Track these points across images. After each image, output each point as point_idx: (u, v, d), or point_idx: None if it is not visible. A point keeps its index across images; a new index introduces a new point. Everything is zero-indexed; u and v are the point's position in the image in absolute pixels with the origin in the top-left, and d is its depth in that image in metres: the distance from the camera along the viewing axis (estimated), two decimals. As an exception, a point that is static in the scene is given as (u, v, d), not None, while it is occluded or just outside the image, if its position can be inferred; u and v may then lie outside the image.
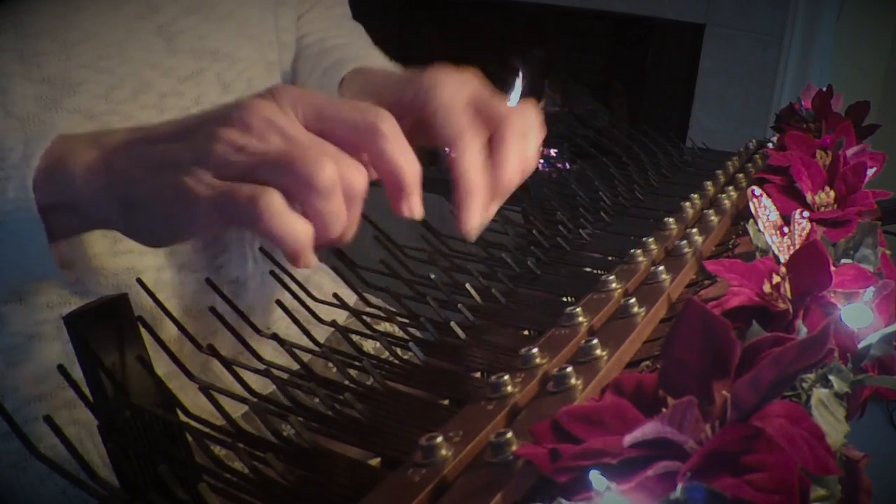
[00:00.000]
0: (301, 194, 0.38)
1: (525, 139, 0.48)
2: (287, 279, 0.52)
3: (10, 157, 0.42)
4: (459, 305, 0.52)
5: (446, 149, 0.48)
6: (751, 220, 0.51)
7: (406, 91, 0.50)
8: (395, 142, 0.41)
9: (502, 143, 0.47)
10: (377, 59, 0.68)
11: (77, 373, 0.40)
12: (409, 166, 0.42)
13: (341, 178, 0.39)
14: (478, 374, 0.46)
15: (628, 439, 0.28)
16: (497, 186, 0.47)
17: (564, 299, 0.54)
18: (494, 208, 0.48)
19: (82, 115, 0.53)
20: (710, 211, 0.62)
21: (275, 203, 0.37)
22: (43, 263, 0.43)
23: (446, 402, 0.44)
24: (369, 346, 0.66)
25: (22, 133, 0.43)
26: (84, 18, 0.52)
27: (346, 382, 0.44)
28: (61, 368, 0.39)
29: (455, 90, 0.48)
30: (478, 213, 0.46)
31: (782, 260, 0.46)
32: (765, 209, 0.50)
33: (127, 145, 0.41)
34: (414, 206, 0.43)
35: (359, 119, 0.41)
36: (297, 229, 0.37)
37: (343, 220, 0.39)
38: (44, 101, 0.51)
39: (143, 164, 0.40)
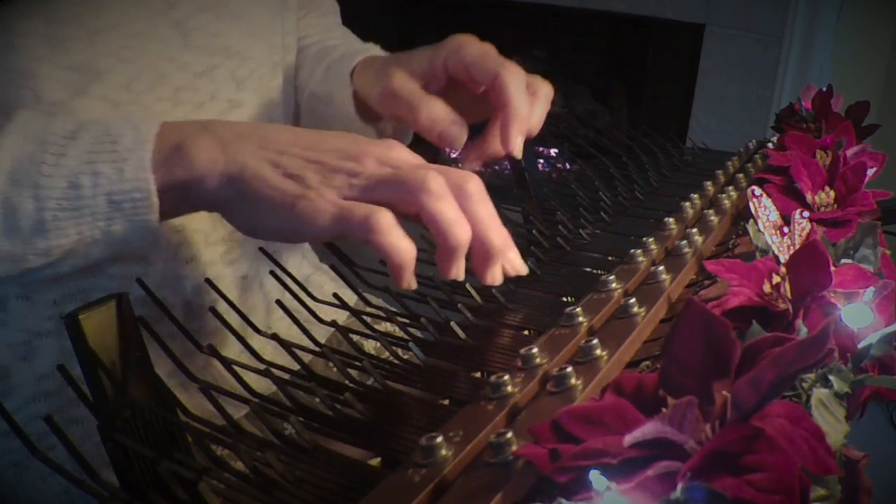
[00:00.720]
0: (415, 201, 0.42)
1: (547, 101, 0.57)
2: (287, 279, 0.52)
3: (122, 140, 0.44)
4: (459, 305, 0.52)
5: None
6: (751, 220, 0.51)
7: (436, 54, 0.56)
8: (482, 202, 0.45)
9: (507, 86, 0.54)
10: (378, 53, 0.69)
11: (78, 372, 0.40)
12: (497, 228, 0.45)
13: (451, 185, 0.43)
14: (478, 374, 0.46)
15: (628, 439, 0.28)
16: (515, 119, 0.53)
17: (564, 299, 0.54)
18: (521, 142, 0.54)
19: (107, 104, 0.54)
20: (710, 211, 0.62)
21: (386, 219, 0.41)
22: (147, 240, 0.46)
23: (446, 402, 0.44)
24: (369, 346, 0.66)
25: (122, 119, 0.46)
26: (108, 7, 0.53)
27: (347, 382, 0.44)
28: (61, 368, 0.39)
29: (482, 44, 0.55)
30: (521, 137, 0.53)
31: (782, 260, 0.46)
32: (765, 209, 0.50)
33: (242, 140, 0.45)
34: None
35: (455, 178, 0.44)
36: (403, 245, 0.42)
37: (464, 221, 0.43)
38: (72, 86, 0.52)
39: (266, 164, 0.44)
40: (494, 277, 0.45)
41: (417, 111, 0.55)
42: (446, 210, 0.42)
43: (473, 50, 0.55)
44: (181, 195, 0.45)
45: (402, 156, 0.45)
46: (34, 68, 0.50)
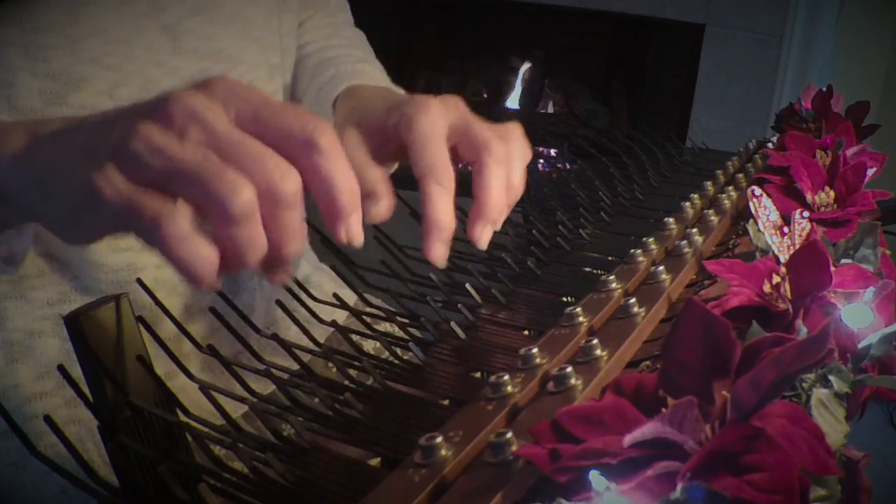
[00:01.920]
0: (213, 216, 0.35)
1: (507, 165, 0.47)
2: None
3: None
4: (459, 305, 0.52)
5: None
6: (751, 220, 0.51)
7: (389, 117, 0.48)
8: (331, 158, 0.38)
9: (483, 170, 0.47)
10: (372, 74, 0.67)
11: (77, 371, 0.40)
12: (345, 185, 0.38)
13: (267, 187, 0.36)
14: (478, 374, 0.46)
15: (628, 439, 0.28)
16: (483, 212, 0.46)
17: (564, 299, 0.54)
18: (489, 234, 0.47)
19: (87, 111, 0.53)
20: (710, 211, 0.62)
21: (179, 228, 0.34)
22: None
23: (446, 402, 0.44)
24: (369, 346, 0.66)
25: None
26: (91, 14, 0.52)
27: (346, 382, 0.44)
28: (61, 368, 0.39)
29: (435, 119, 0.47)
30: (441, 247, 0.45)
31: (782, 260, 0.46)
32: (765, 209, 0.50)
33: (57, 133, 0.38)
34: (352, 231, 0.40)
35: (296, 128, 0.37)
36: (201, 256, 0.35)
37: (260, 244, 0.36)
38: (48, 95, 0.51)
39: (65, 153, 0.37)
40: (277, 278, 0.39)
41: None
42: (243, 235, 0.35)
43: (417, 132, 0.46)
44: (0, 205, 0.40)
45: (219, 117, 0.36)
46: (10, 78, 0.50)
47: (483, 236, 0.47)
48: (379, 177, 0.47)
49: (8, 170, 0.38)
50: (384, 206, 0.46)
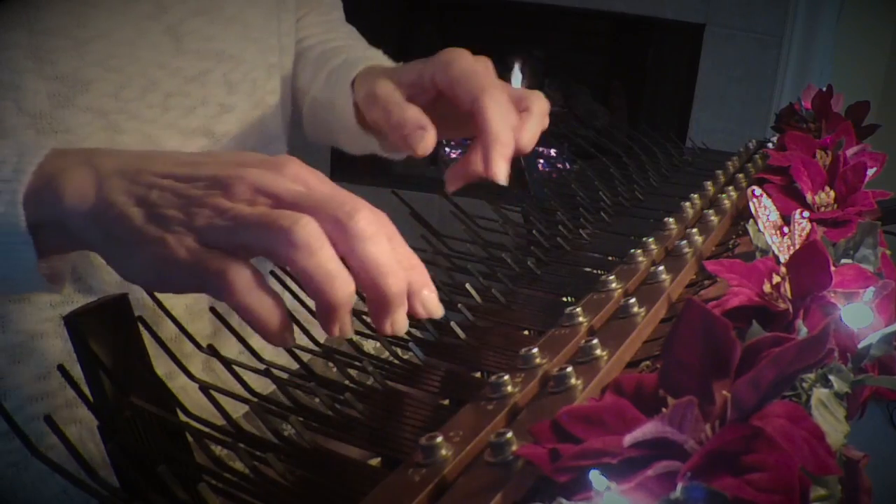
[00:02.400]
0: (281, 256, 0.35)
1: (542, 117, 0.53)
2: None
3: (2, 170, 0.41)
4: (459, 305, 0.52)
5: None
6: (751, 220, 0.51)
7: (426, 68, 0.53)
8: (375, 243, 0.37)
9: (525, 114, 0.52)
10: (380, 59, 0.69)
11: (77, 372, 0.40)
12: (331, 287, 0.36)
13: (334, 220, 0.36)
14: (478, 374, 0.46)
15: (628, 439, 0.28)
16: (487, 142, 0.50)
17: (564, 299, 0.54)
18: (505, 167, 0.51)
19: (93, 113, 0.53)
20: (710, 211, 0.62)
21: (243, 278, 0.35)
22: (30, 279, 0.42)
23: (446, 402, 0.44)
24: (369, 346, 0.66)
25: (16, 145, 0.42)
26: (96, 16, 0.52)
27: (347, 382, 0.44)
28: (61, 368, 0.39)
29: (473, 62, 0.52)
30: (503, 163, 0.49)
31: (782, 260, 0.46)
32: (765, 209, 0.50)
33: (120, 175, 0.39)
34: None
35: (341, 214, 0.37)
36: (267, 307, 0.36)
37: (337, 276, 0.36)
38: (56, 98, 0.52)
39: (132, 202, 0.38)
40: (395, 327, 0.39)
41: (389, 113, 0.52)
42: (318, 267, 0.35)
43: (460, 68, 0.52)
44: (56, 232, 0.41)
45: (282, 183, 0.38)
46: (17, 80, 0.50)
47: (500, 168, 0.50)
48: (419, 111, 0.52)
49: (70, 204, 0.39)
50: (431, 137, 0.51)
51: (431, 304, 0.40)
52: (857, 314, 0.41)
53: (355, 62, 0.65)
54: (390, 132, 0.53)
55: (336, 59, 0.68)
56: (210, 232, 0.36)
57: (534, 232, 0.64)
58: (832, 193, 0.59)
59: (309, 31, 0.75)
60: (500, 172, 0.49)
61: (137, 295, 0.46)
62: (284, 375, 0.44)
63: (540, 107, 0.54)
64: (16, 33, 0.49)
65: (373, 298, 0.38)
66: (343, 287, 0.36)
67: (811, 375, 0.36)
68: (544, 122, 0.54)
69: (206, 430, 0.39)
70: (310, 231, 0.35)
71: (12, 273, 0.42)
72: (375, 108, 0.54)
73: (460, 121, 0.54)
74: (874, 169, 0.64)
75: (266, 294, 0.36)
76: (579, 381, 0.38)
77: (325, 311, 0.36)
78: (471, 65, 0.52)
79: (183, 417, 0.39)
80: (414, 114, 0.52)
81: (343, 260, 0.37)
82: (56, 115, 0.52)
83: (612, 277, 0.50)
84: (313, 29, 0.75)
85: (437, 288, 0.53)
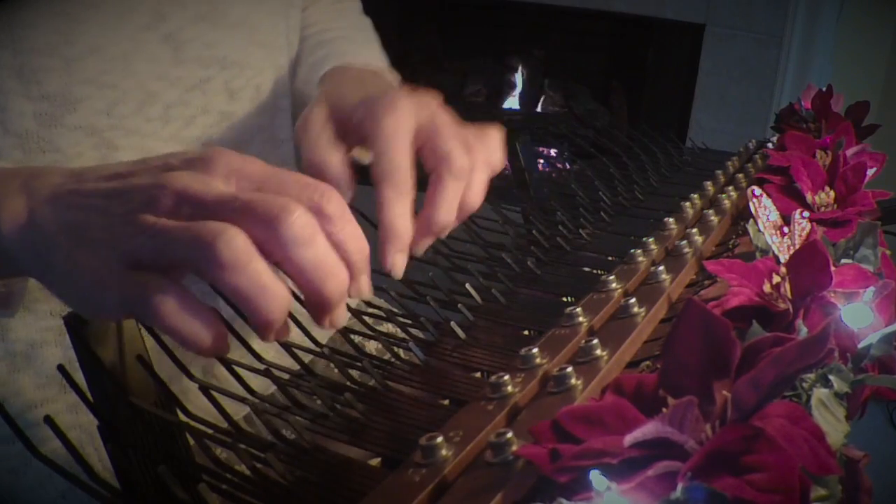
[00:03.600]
0: (209, 273, 0.33)
1: (460, 181, 0.45)
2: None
3: None
4: (459, 305, 0.52)
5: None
6: (751, 220, 0.51)
7: (356, 111, 0.47)
8: (341, 223, 0.36)
9: (437, 183, 0.45)
10: (365, 55, 0.66)
11: (78, 376, 0.40)
12: (355, 247, 0.37)
13: (316, 207, 0.35)
14: (478, 374, 0.46)
15: (628, 439, 0.28)
16: (428, 225, 0.45)
17: (564, 299, 0.54)
18: (426, 244, 0.46)
19: (83, 132, 0.53)
20: (710, 211, 0.62)
21: (165, 301, 0.33)
22: None
23: (446, 402, 0.44)
24: (370, 346, 0.66)
25: None
26: (85, 32, 0.51)
27: (347, 383, 0.44)
28: (61, 368, 0.39)
29: (400, 120, 0.45)
30: (398, 256, 0.43)
31: (782, 260, 0.46)
32: (765, 209, 0.50)
33: (51, 201, 0.37)
34: (364, 288, 0.38)
35: (303, 196, 0.36)
36: (194, 329, 0.33)
37: (270, 290, 0.34)
38: (43, 118, 0.51)
39: (60, 230, 0.36)
40: (334, 323, 0.38)
41: (310, 151, 0.47)
42: (248, 284, 0.33)
43: (386, 129, 0.44)
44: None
45: (208, 185, 0.35)
46: (3, 101, 0.49)
47: (423, 245, 0.45)
48: (338, 161, 0.46)
49: (6, 232, 0.38)
50: (347, 197, 0.45)
51: (364, 291, 0.39)
52: (857, 314, 0.41)
53: (328, 59, 0.62)
54: (305, 169, 0.47)
55: (320, 52, 0.66)
56: (135, 253, 0.34)
57: (534, 232, 0.64)
58: (832, 193, 0.59)
59: (314, 18, 0.73)
60: (395, 267, 0.44)
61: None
62: (285, 376, 0.44)
63: (457, 167, 0.45)
64: (0, 53, 0.49)
65: (311, 301, 0.37)
66: (277, 299, 0.34)
67: (811, 375, 0.36)
68: (474, 177, 0.46)
69: (207, 430, 0.39)
70: (235, 246, 0.33)
71: None
72: (302, 133, 0.49)
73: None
74: (874, 169, 0.64)
75: (193, 314, 0.33)
76: (579, 381, 0.38)
77: (262, 325, 0.34)
78: (391, 131, 0.44)
79: (183, 418, 0.39)
80: (335, 167, 0.46)
81: (277, 265, 0.35)
82: (43, 135, 0.51)
83: (612, 277, 0.50)
84: (319, 16, 0.73)
85: (437, 287, 0.53)
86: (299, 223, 0.34)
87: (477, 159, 0.46)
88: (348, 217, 0.37)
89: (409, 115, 0.45)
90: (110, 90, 0.53)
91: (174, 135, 0.57)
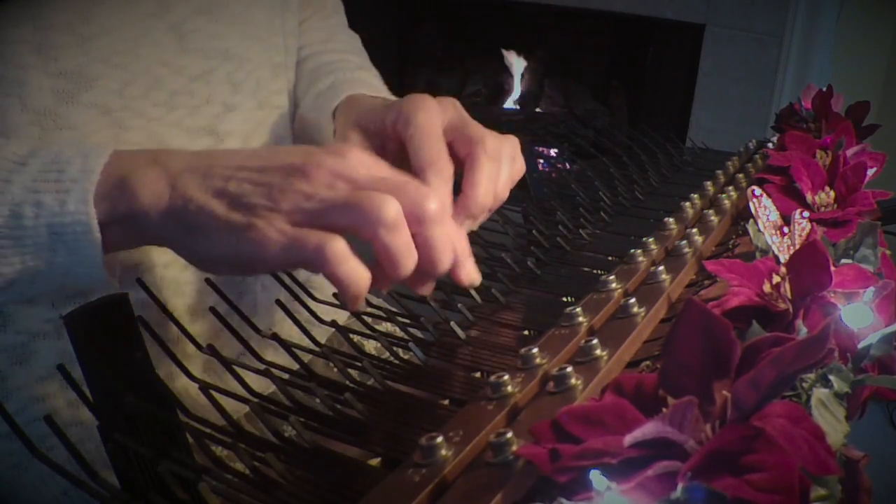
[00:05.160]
0: (369, 232, 0.40)
1: (497, 162, 0.50)
2: (287, 279, 0.52)
3: (68, 170, 0.43)
4: (459, 305, 0.52)
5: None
6: (751, 220, 0.51)
7: (388, 115, 0.52)
8: (443, 225, 0.42)
9: (475, 163, 0.49)
10: (371, 82, 0.68)
11: (78, 372, 0.40)
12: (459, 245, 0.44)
13: (412, 205, 0.41)
14: (478, 374, 0.46)
15: (628, 439, 0.28)
16: (468, 207, 0.49)
17: (564, 299, 0.54)
18: (468, 227, 0.50)
19: (98, 110, 0.53)
20: (710, 211, 0.62)
21: (340, 250, 0.40)
22: (93, 274, 0.44)
23: (446, 402, 0.44)
24: (370, 346, 0.66)
25: (76, 146, 0.44)
26: (100, 13, 0.52)
27: (347, 382, 0.44)
28: (61, 368, 0.39)
29: (432, 115, 0.50)
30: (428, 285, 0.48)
31: (782, 260, 0.46)
32: (765, 209, 0.50)
33: (190, 172, 0.42)
34: (472, 273, 0.45)
35: (416, 199, 0.42)
36: (359, 275, 0.40)
37: (412, 252, 0.41)
38: (60, 94, 0.51)
39: (211, 195, 0.41)
40: (427, 290, 0.45)
41: None
42: (398, 242, 0.41)
43: (420, 121, 0.50)
44: (127, 229, 0.43)
45: (357, 168, 0.42)
46: (22, 76, 0.50)
47: (464, 229, 0.49)
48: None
49: (148, 201, 0.42)
50: None
51: (472, 273, 0.45)
52: (857, 314, 0.41)
53: (340, 88, 0.64)
54: None
55: (325, 81, 0.67)
56: (298, 213, 0.40)
57: (534, 232, 0.64)
58: (832, 193, 0.59)
59: (310, 37, 0.74)
60: (423, 289, 0.48)
61: (138, 295, 0.46)
62: (285, 376, 0.44)
63: (492, 149, 0.50)
64: (21, 29, 0.49)
65: (424, 271, 0.43)
66: (413, 263, 0.41)
67: (811, 375, 0.36)
68: (502, 165, 0.51)
69: (206, 430, 0.39)
70: (396, 210, 0.40)
71: (77, 267, 0.44)
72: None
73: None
74: (874, 169, 0.64)
75: (359, 265, 0.40)
76: (579, 381, 0.38)
77: (391, 280, 0.42)
78: (428, 120, 0.50)
79: (183, 417, 0.39)
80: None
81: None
82: (60, 112, 0.52)
83: (612, 277, 0.50)
84: (313, 36, 0.75)
85: (437, 287, 0.53)
86: (438, 204, 0.42)
87: (506, 147, 0.51)
88: (448, 217, 0.44)
89: (439, 111, 0.51)
90: (122, 70, 0.54)
91: (178, 122, 0.58)
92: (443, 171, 0.49)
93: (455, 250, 0.43)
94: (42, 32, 0.50)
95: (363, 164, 0.43)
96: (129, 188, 0.42)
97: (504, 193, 0.51)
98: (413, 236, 0.41)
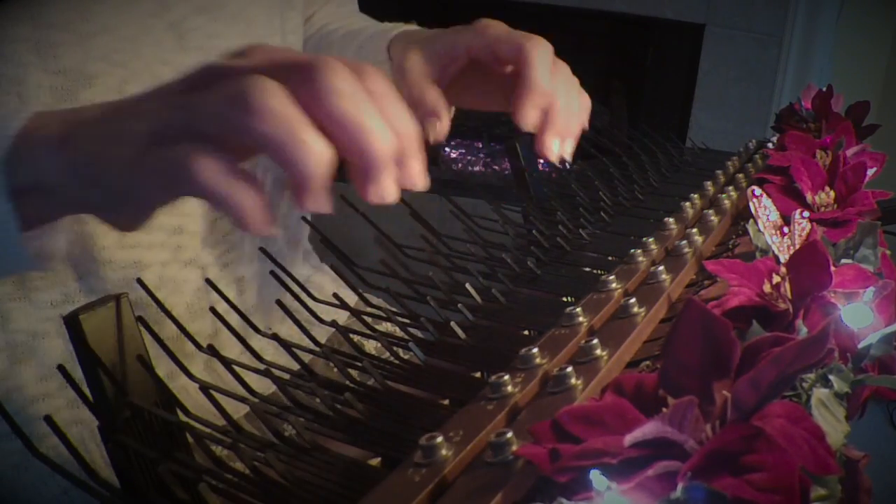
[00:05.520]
0: (237, 122, 0.31)
1: (548, 51, 0.56)
2: (287, 279, 0.52)
3: None
4: (459, 305, 0.52)
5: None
6: (751, 220, 0.51)
7: (460, 36, 0.56)
8: (385, 99, 0.34)
9: (529, 54, 0.54)
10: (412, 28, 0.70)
11: (78, 372, 0.40)
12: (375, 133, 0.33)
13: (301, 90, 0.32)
14: (478, 374, 0.46)
15: (628, 439, 0.28)
16: (529, 87, 0.53)
17: (564, 299, 0.54)
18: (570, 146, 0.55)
19: None
20: (710, 211, 0.62)
21: (206, 162, 0.31)
22: (15, 253, 0.40)
23: (446, 402, 0.44)
24: (370, 346, 0.66)
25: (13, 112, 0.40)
26: (100, 11, 0.52)
27: (347, 382, 0.44)
28: (61, 368, 0.39)
29: (509, 28, 0.55)
30: (535, 110, 0.51)
31: (782, 260, 0.46)
32: (765, 209, 0.50)
33: (93, 120, 0.37)
34: (418, 176, 0.35)
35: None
36: (240, 190, 0.32)
37: (317, 142, 0.32)
38: (59, 92, 0.51)
39: (103, 137, 0.36)
40: (383, 194, 0.35)
41: (409, 90, 0.55)
42: (284, 131, 0.31)
43: (498, 29, 0.56)
44: (40, 196, 0.38)
45: (240, 60, 0.35)
46: (21, 74, 0.50)
47: (529, 115, 0.53)
48: (438, 96, 0.53)
49: (46, 159, 0.37)
50: (442, 126, 0.53)
51: (417, 176, 0.36)
52: (857, 314, 0.41)
53: (386, 31, 0.66)
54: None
55: (363, 34, 0.69)
56: (163, 127, 0.33)
57: (534, 232, 0.64)
58: (832, 193, 0.59)
59: (328, 18, 0.75)
60: (528, 120, 0.52)
61: (137, 295, 0.46)
62: (285, 375, 0.44)
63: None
64: (20, 27, 0.49)
65: (354, 161, 0.33)
66: (316, 153, 0.31)
67: (811, 375, 0.36)
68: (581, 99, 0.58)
69: (207, 430, 0.39)
70: (265, 87, 0.31)
71: None
72: (399, 80, 0.56)
73: (488, 91, 0.57)
74: (874, 169, 0.64)
75: (234, 176, 0.32)
76: (579, 381, 0.38)
77: (300, 185, 0.32)
78: (507, 28, 0.55)
79: (183, 417, 0.39)
80: (432, 98, 0.53)
81: (320, 128, 0.33)
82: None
83: (612, 277, 0.50)
84: (332, 16, 0.76)
85: (437, 288, 0.53)
86: (340, 75, 0.32)
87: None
88: (394, 96, 0.35)
89: (507, 27, 0.56)
90: (121, 69, 0.54)
91: None
92: (541, 45, 0.54)
93: (398, 135, 0.34)
94: (41, 30, 0.50)
95: (263, 53, 0.35)
96: (30, 149, 0.37)
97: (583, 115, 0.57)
98: (320, 122, 0.33)
